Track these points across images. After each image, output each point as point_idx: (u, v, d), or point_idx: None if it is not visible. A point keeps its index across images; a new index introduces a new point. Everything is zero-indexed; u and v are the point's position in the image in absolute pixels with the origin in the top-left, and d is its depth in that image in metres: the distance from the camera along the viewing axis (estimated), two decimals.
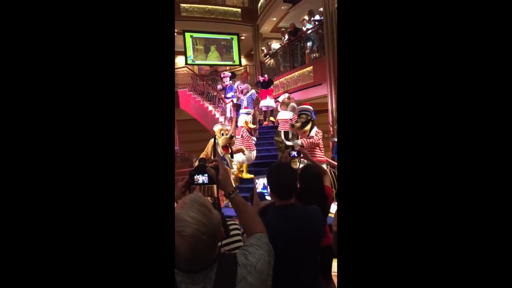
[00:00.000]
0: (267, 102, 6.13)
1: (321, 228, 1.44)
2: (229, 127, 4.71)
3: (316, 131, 3.55)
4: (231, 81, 6.88)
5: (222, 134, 4.27)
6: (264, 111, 6.50)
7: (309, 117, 3.63)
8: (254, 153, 4.69)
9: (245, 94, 5.86)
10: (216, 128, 4.43)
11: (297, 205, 1.42)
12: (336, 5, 4.85)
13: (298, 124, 3.64)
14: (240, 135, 4.62)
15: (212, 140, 3.81)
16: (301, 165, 2.10)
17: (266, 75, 6.53)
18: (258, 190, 1.36)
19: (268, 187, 1.46)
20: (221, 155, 4.26)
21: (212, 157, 1.11)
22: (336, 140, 4.85)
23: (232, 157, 4.25)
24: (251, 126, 4.71)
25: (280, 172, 1.40)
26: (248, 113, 4.80)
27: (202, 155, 4.19)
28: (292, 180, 1.41)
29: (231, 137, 4.27)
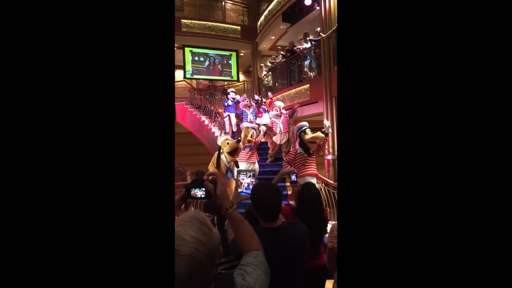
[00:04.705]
0: (264, 119, 6.19)
1: (307, 248, 1.38)
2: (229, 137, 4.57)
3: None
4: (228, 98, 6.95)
5: (228, 144, 4.12)
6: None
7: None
8: (256, 166, 4.62)
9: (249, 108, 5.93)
10: (221, 139, 4.32)
11: (284, 226, 1.35)
12: (334, 27, 4.98)
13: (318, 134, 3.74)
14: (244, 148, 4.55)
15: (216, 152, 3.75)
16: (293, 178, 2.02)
17: (259, 96, 6.58)
18: (241, 190, 1.31)
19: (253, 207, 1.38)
20: (228, 165, 4.11)
21: (216, 169, 1.09)
22: (330, 158, 4.85)
23: (237, 166, 4.07)
24: (253, 139, 4.59)
25: (265, 193, 1.32)
26: (253, 127, 4.72)
27: (210, 167, 4.08)
28: (277, 201, 1.33)
29: (238, 141, 4.13)
